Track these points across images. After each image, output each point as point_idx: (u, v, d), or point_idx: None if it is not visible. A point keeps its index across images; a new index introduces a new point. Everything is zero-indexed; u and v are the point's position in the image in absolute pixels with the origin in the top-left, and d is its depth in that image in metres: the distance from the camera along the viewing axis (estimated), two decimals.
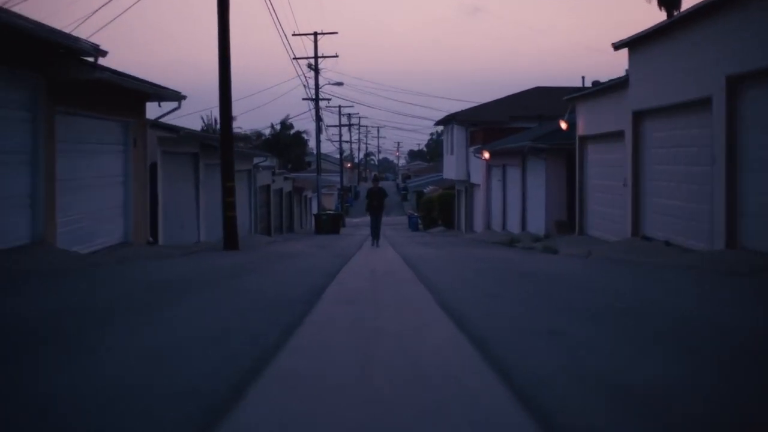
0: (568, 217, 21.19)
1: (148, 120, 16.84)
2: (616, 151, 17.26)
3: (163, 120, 17.53)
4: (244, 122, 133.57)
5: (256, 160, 31.38)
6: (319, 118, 44.65)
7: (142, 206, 16.41)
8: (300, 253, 17.04)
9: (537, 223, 22.98)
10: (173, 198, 19.46)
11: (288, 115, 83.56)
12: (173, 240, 18.72)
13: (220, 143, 17.29)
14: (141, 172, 16.32)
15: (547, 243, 18.86)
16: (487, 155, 32.83)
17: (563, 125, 20.79)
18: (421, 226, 53.90)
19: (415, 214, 58.49)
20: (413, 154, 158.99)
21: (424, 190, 67.31)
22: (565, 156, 21.62)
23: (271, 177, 35.91)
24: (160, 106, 16.74)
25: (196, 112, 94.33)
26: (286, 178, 41.68)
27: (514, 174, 27.40)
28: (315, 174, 68.15)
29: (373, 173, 23.75)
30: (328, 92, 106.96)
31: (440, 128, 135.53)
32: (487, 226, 33.54)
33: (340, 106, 71.98)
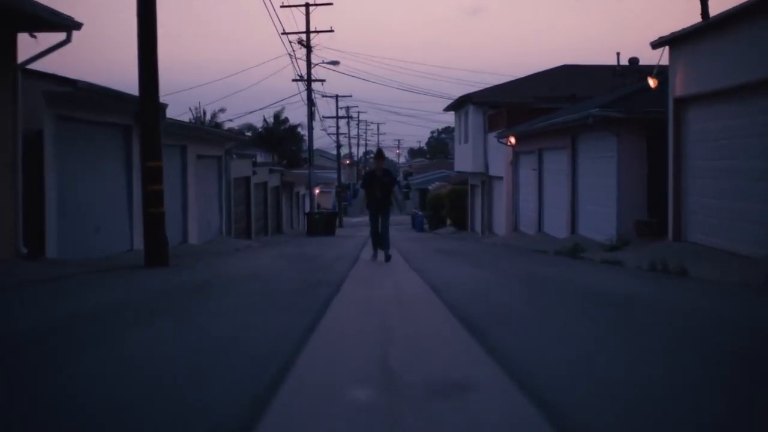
0: (652, 216, 15.09)
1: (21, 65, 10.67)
2: (747, 113, 11.23)
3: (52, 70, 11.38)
4: (236, 116, 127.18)
5: (241, 148, 25.24)
6: (311, 102, 38.55)
7: (4, 197, 10.31)
8: (255, 274, 10.93)
9: (599, 224, 16.89)
10: (81, 188, 13.35)
11: (282, 108, 77.39)
12: (77, 250, 12.59)
13: (140, 98, 11.10)
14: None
15: (637, 253, 12.81)
16: (513, 140, 26.74)
17: (652, 83, 14.67)
18: (426, 226, 47.93)
19: (420, 212, 52.61)
20: (414, 153, 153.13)
21: (429, 187, 61.21)
22: (645, 130, 15.52)
23: (251, 168, 29.77)
24: (33, 36, 10.48)
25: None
26: (272, 171, 35.56)
27: (556, 160, 21.30)
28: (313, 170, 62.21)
29: (376, 149, 17.85)
30: (324, 75, 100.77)
31: (441, 126, 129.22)
32: (514, 227, 27.43)
33: (337, 96, 65.92)
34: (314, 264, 12.84)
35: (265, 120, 77.41)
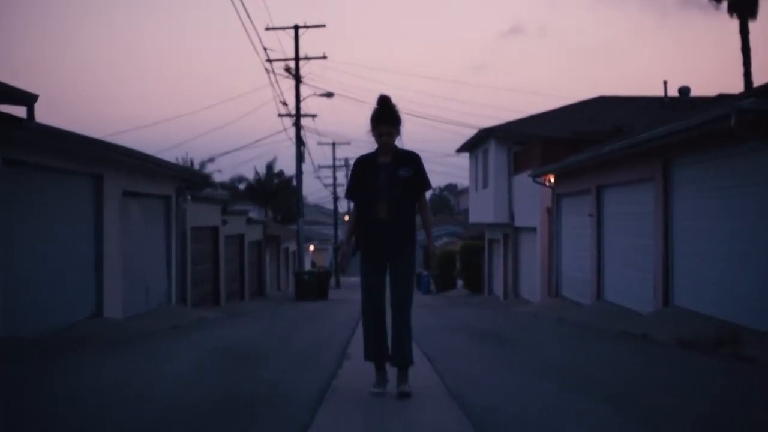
0: None
1: None
2: None
3: None
4: (226, 167, 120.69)
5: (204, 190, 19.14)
6: (300, 141, 32.66)
7: None
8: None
9: (727, 291, 10.70)
10: None
11: (274, 158, 71.71)
12: None
13: None
14: None
15: None
16: (553, 179, 20.74)
17: None
18: (433, 288, 41.72)
19: (425, 271, 46.39)
20: None
21: (436, 244, 55.03)
22: None
23: (220, 216, 23.66)
24: None
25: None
26: (250, 221, 29.42)
27: (631, 200, 15.22)
28: (308, 225, 55.83)
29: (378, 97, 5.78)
30: (316, 109, 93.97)
31: (442, 184, 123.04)
32: (554, 291, 21.20)
33: (334, 143, 60.28)
34: (247, 380, 6.65)
35: (257, 172, 71.58)
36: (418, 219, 6.08)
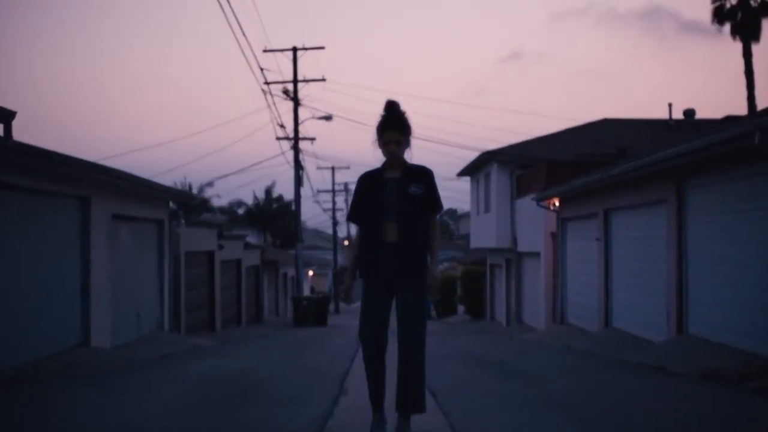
0: None
1: None
2: None
3: None
4: (224, 192, 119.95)
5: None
6: (298, 165, 32.15)
7: None
8: None
9: (733, 320, 10.07)
10: None
11: (273, 183, 71.24)
12: None
13: None
14: None
15: None
16: (557, 202, 20.17)
17: None
18: (434, 313, 41.01)
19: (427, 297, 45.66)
20: None
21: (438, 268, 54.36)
22: None
23: (216, 240, 23.05)
24: None
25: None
26: (247, 246, 28.81)
27: (641, 223, 14.63)
28: (307, 250, 54.96)
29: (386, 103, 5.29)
30: (314, 132, 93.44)
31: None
32: (559, 318, 20.55)
33: (333, 167, 59.84)
34: (231, 421, 6.01)
35: (255, 197, 70.98)
36: None
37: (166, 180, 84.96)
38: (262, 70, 25.67)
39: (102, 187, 13.40)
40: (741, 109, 34.75)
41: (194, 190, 54.69)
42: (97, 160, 12.74)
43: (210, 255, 22.84)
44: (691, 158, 11.33)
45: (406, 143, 5.25)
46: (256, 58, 51.63)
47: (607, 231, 16.51)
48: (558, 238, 20.65)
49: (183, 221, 18.32)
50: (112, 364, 11.14)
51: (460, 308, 39.46)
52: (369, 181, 5.31)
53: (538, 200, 20.94)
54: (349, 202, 5.51)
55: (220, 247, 23.44)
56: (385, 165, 5.31)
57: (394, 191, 5.18)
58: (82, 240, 12.96)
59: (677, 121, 28.37)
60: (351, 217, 5.37)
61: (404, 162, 5.28)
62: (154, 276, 17.26)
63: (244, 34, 52.00)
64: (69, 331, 12.58)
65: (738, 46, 33.24)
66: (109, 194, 13.86)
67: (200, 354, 13.73)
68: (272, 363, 11.28)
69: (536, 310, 23.84)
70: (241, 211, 71.14)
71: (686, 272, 12.37)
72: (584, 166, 21.99)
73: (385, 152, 5.21)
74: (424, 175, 5.27)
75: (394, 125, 5.17)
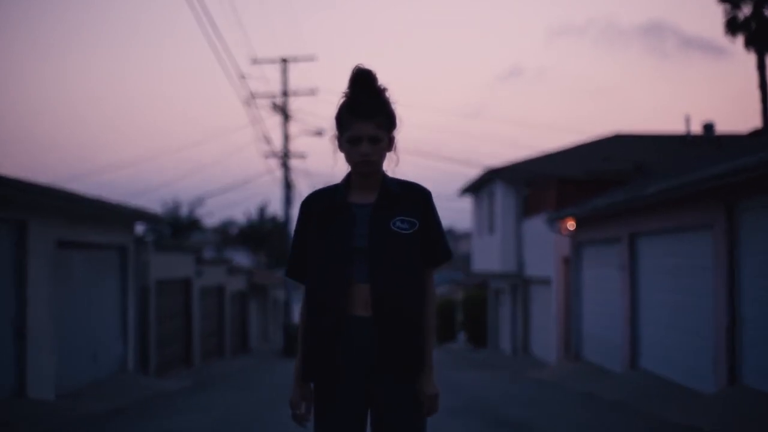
0: None
1: None
2: None
3: None
4: (213, 210, 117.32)
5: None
6: (288, 185, 30.09)
7: None
8: None
9: None
10: None
11: (266, 201, 69.21)
12: None
13: None
14: None
15: None
16: (572, 225, 18.11)
17: None
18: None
19: None
20: None
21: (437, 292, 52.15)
22: None
23: (194, 266, 20.93)
24: None
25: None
26: (232, 270, 26.68)
27: (677, 251, 12.52)
28: None
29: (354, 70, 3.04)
30: (305, 147, 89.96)
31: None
32: (573, 353, 18.40)
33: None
34: None
35: (247, 217, 68.83)
36: None
37: (153, 199, 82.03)
38: (243, 77, 23.58)
39: (43, 210, 11.30)
40: (754, 122, 33.05)
41: (184, 209, 52.12)
42: (69, 179, 10.63)
43: (186, 283, 20.70)
44: (747, 176, 9.30)
45: (388, 143, 3.10)
46: (239, 68, 49.57)
47: (633, 258, 14.43)
48: (572, 264, 18.58)
49: (152, 246, 16.19)
50: (44, 424, 9.03)
51: (461, 335, 37.28)
52: (321, 208, 3.13)
53: (550, 222, 18.88)
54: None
55: (199, 273, 21.32)
56: (349, 181, 3.15)
57: (367, 226, 3.02)
58: (16, 272, 10.85)
59: (695, 136, 26.44)
60: (290, 271, 3.22)
61: (384, 176, 3.13)
62: (115, 310, 15.13)
63: (223, 44, 49.75)
64: None
65: (751, 58, 31.60)
66: (54, 218, 11.76)
67: (161, 407, 11.60)
68: (244, 420, 9.14)
69: (546, 341, 21.74)
70: (232, 230, 69.12)
71: (740, 309, 10.29)
72: (597, 184, 20.07)
73: (351, 157, 3.06)
74: (418, 200, 3.11)
75: (366, 110, 2.99)
